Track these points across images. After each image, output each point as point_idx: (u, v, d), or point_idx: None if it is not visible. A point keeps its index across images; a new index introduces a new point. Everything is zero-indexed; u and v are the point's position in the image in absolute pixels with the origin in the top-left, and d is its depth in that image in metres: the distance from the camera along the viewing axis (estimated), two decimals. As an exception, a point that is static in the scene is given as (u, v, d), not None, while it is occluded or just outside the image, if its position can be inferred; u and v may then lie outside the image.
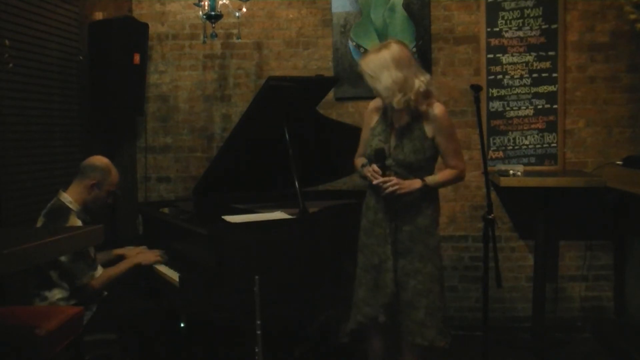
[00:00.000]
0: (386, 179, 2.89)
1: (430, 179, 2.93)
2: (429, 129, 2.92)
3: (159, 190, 4.79)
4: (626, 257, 4.29)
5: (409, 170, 2.93)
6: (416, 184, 2.91)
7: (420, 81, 2.86)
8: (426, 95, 2.90)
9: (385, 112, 3.01)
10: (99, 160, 3.29)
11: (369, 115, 3.10)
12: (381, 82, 2.84)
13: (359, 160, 3.13)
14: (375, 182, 2.91)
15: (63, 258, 3.00)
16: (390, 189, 2.87)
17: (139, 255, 3.40)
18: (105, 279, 3.17)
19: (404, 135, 2.93)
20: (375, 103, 3.07)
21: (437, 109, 2.91)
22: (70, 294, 3.07)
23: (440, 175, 2.97)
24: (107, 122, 4.21)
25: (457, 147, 3.01)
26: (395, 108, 2.87)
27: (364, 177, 3.05)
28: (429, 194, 2.98)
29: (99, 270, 3.17)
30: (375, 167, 2.92)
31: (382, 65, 2.84)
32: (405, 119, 2.93)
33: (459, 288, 4.57)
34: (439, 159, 3.03)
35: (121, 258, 3.43)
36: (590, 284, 4.45)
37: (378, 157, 2.93)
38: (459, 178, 3.03)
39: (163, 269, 3.30)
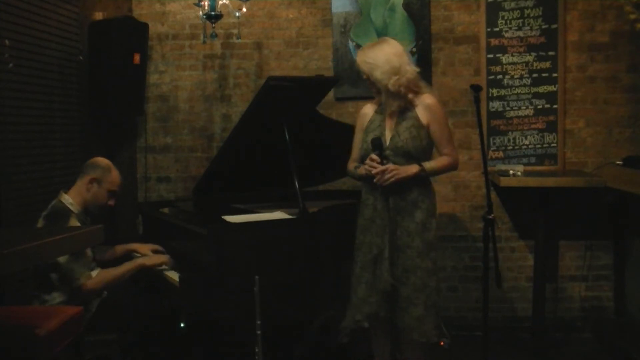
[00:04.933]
0: (384, 167, 2.96)
1: (427, 164, 3.02)
2: (423, 117, 3.04)
3: (159, 190, 4.79)
4: (626, 257, 4.29)
5: (407, 158, 3.01)
6: (413, 168, 2.99)
7: (413, 69, 3.03)
8: (417, 85, 3.04)
9: (379, 110, 3.12)
10: (100, 159, 3.32)
11: (361, 119, 3.21)
12: (379, 67, 2.98)
13: (352, 165, 3.21)
14: (374, 171, 2.97)
15: (60, 259, 2.99)
16: (389, 175, 2.95)
17: (144, 257, 3.36)
18: (103, 280, 3.12)
19: (399, 123, 3.04)
20: (366, 108, 3.20)
21: (430, 98, 3.06)
22: (69, 297, 3.05)
23: (435, 162, 3.07)
24: (107, 122, 4.21)
25: (450, 136, 3.14)
26: (391, 90, 2.97)
27: (358, 178, 3.16)
28: (425, 188, 3.06)
29: (96, 271, 3.13)
30: (373, 155, 2.98)
31: (380, 53, 3.01)
32: (398, 105, 3.03)
33: (459, 288, 4.57)
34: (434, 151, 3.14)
35: (127, 257, 3.39)
36: (590, 284, 4.45)
37: (375, 145, 2.99)
38: (453, 166, 3.13)
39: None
